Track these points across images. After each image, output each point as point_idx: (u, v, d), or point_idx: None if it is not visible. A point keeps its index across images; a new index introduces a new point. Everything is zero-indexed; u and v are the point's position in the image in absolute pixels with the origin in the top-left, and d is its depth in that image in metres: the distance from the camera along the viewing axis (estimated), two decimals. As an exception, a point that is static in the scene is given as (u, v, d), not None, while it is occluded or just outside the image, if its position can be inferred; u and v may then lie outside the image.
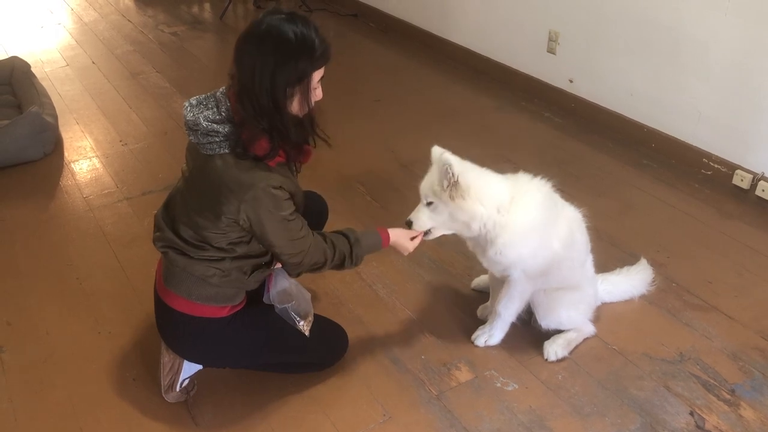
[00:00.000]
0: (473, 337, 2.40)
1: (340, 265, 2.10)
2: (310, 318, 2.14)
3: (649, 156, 3.64)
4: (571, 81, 4.11)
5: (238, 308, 2.07)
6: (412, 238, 2.23)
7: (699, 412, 2.14)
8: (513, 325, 2.39)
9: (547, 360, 2.32)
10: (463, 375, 2.28)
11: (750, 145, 3.25)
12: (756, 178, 3.23)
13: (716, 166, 3.39)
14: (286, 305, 2.09)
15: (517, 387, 2.23)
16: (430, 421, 2.11)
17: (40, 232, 3.04)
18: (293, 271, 2.06)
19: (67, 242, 2.97)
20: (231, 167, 1.85)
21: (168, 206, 2.08)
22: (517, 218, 2.11)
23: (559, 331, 2.38)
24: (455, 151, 2.12)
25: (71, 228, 3.07)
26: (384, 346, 2.40)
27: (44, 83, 4.26)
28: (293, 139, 1.92)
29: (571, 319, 2.37)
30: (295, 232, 1.96)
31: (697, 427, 2.10)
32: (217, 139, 1.85)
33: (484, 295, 2.58)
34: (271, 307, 2.11)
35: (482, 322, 2.46)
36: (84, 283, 2.71)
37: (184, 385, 2.15)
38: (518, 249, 2.14)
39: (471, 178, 2.08)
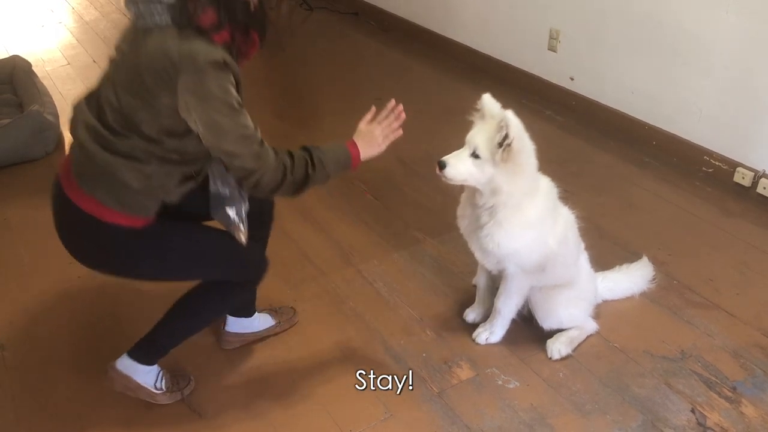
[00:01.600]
0: (474, 334, 2.40)
1: (304, 178, 1.87)
2: (243, 229, 2.01)
3: (650, 154, 3.64)
4: (572, 79, 4.11)
5: (151, 223, 1.90)
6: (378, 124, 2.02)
7: (700, 409, 2.14)
8: (514, 323, 2.39)
9: (550, 358, 2.32)
10: (465, 373, 2.28)
11: (751, 143, 3.25)
12: (757, 176, 3.22)
13: (717, 163, 3.38)
14: (227, 207, 1.97)
15: (518, 385, 2.23)
16: (432, 418, 2.11)
17: (41, 231, 3.02)
18: (249, 184, 1.83)
19: (69, 241, 2.97)
20: (171, 38, 1.69)
21: (90, 97, 1.88)
22: (525, 212, 2.11)
23: (561, 329, 2.38)
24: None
25: (73, 227, 3.07)
26: (385, 343, 2.40)
27: (45, 82, 4.26)
28: (240, 18, 1.77)
29: (572, 317, 2.37)
30: (245, 128, 1.77)
31: (699, 424, 2.10)
32: (159, 8, 1.69)
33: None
34: (183, 221, 1.96)
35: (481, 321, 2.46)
36: (85, 281, 2.71)
37: (162, 387, 2.12)
38: (513, 243, 2.14)
39: (526, 147, 2.02)
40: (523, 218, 2.11)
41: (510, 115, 1.97)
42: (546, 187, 2.19)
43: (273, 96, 4.29)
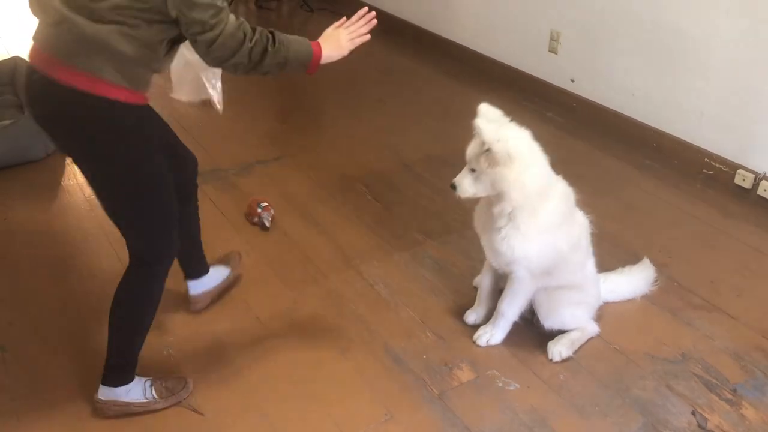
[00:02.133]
0: (475, 336, 2.40)
1: (262, 53, 1.81)
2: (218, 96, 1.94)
3: (650, 156, 3.64)
4: (572, 80, 4.11)
5: (146, 104, 1.89)
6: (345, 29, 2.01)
7: (701, 411, 2.14)
8: (514, 324, 2.39)
9: (551, 360, 2.32)
10: (465, 375, 2.28)
11: (752, 145, 3.25)
12: (758, 178, 3.22)
13: (718, 165, 3.38)
14: (201, 73, 1.93)
15: (518, 387, 2.23)
16: (432, 420, 2.11)
17: (42, 232, 3.04)
18: (204, 42, 1.75)
19: (69, 242, 2.97)
20: None
21: None
22: (540, 217, 2.11)
23: (562, 331, 2.38)
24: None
25: (73, 228, 3.07)
26: (386, 345, 2.40)
27: (46, 83, 4.25)
28: None
29: (575, 318, 2.37)
30: None
31: (699, 426, 2.09)
32: None
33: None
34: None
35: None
36: (86, 282, 2.72)
37: (153, 396, 2.11)
38: (528, 248, 2.14)
39: (517, 148, 2.02)
40: (539, 223, 2.12)
41: (479, 122, 2.00)
42: (562, 190, 2.19)
43: (273, 98, 4.29)
